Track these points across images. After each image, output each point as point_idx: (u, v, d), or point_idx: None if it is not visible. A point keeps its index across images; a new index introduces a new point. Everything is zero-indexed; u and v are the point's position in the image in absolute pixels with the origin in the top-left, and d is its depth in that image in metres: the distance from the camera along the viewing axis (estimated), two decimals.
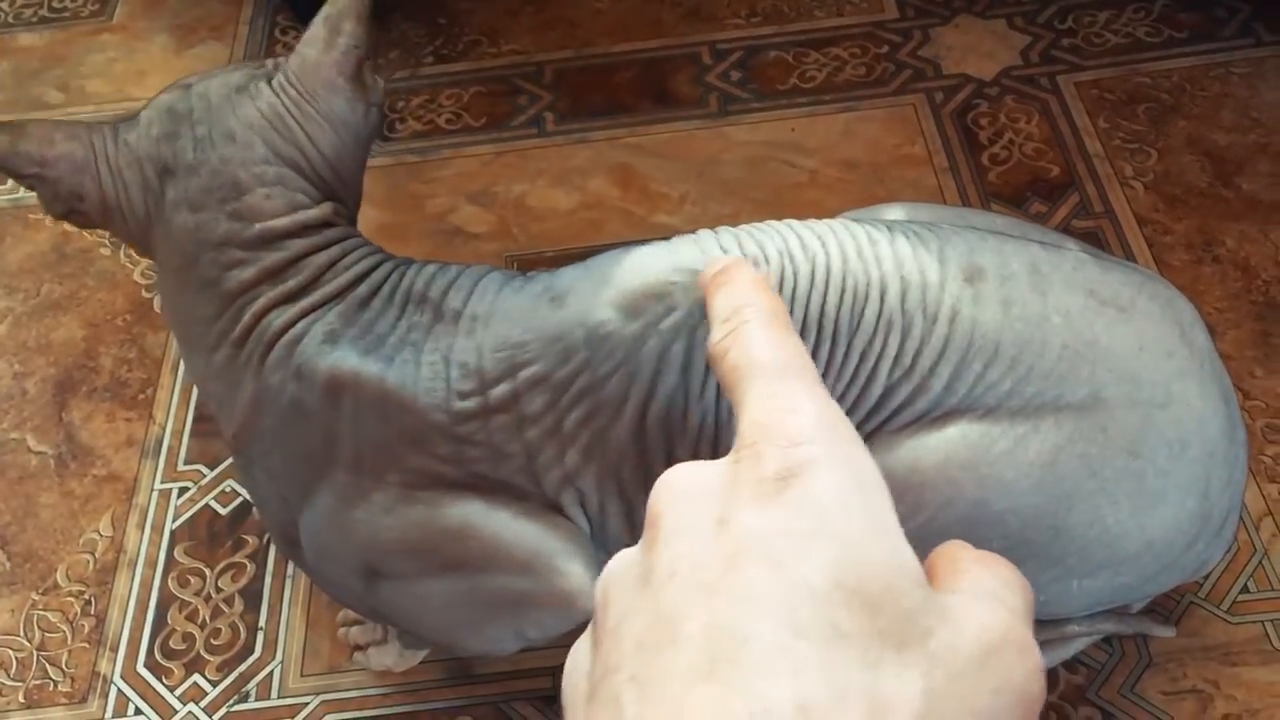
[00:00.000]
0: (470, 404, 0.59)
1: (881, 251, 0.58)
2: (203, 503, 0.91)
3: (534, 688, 0.79)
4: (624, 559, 0.29)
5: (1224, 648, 0.77)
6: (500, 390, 0.59)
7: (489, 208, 1.10)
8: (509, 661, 0.80)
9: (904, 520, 0.62)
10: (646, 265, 0.59)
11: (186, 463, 0.94)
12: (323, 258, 0.62)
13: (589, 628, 0.29)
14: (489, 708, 0.79)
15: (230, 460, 0.93)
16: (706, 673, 0.24)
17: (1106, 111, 1.10)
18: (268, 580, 0.86)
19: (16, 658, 0.84)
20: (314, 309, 0.62)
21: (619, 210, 1.08)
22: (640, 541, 0.29)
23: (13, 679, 0.83)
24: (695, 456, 0.59)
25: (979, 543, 0.58)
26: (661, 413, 0.59)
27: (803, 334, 0.57)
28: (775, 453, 0.28)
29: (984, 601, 0.26)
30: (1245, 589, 0.79)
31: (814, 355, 0.56)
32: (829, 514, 0.26)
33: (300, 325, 0.61)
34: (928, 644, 0.24)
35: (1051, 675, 0.75)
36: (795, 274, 0.58)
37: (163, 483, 0.93)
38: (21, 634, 0.85)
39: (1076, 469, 0.55)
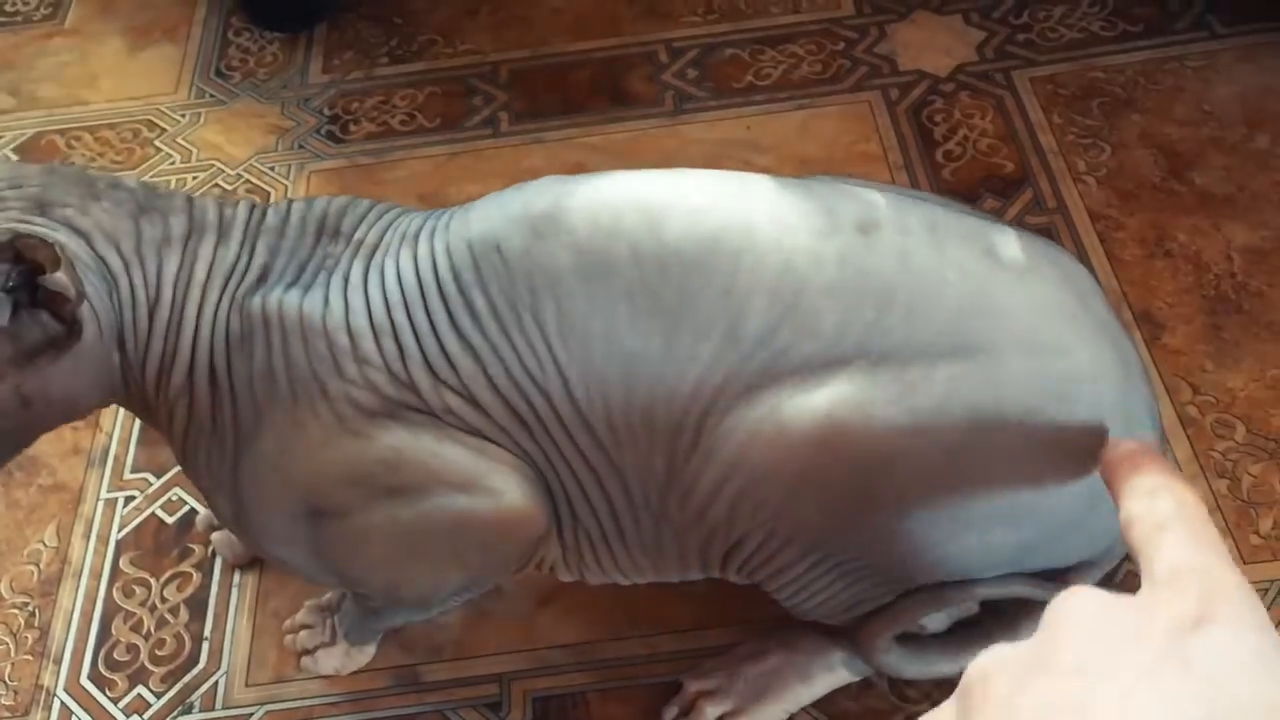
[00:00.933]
0: (362, 321, 0.60)
1: (759, 191, 0.59)
2: (149, 511, 0.90)
3: (480, 695, 0.78)
4: (1004, 648, 0.35)
5: None
6: (380, 314, 0.60)
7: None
8: (454, 669, 0.80)
9: (797, 467, 0.62)
10: (548, 191, 0.60)
11: (133, 471, 0.93)
12: (217, 205, 0.64)
13: (953, 702, 0.35)
14: (435, 715, 0.78)
15: (176, 469, 0.92)
16: None
17: (1060, 106, 1.10)
18: (214, 589, 0.85)
19: None
20: (241, 244, 0.62)
21: None
22: (1036, 635, 0.35)
23: None
24: (554, 412, 0.60)
25: (872, 490, 0.58)
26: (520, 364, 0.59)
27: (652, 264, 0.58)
28: (1199, 596, 0.33)
29: None
30: None
31: (663, 282, 0.57)
32: (1255, 660, 0.31)
33: (240, 263, 0.62)
34: None
35: None
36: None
37: (109, 492, 0.92)
38: None
39: (966, 416, 0.55)
